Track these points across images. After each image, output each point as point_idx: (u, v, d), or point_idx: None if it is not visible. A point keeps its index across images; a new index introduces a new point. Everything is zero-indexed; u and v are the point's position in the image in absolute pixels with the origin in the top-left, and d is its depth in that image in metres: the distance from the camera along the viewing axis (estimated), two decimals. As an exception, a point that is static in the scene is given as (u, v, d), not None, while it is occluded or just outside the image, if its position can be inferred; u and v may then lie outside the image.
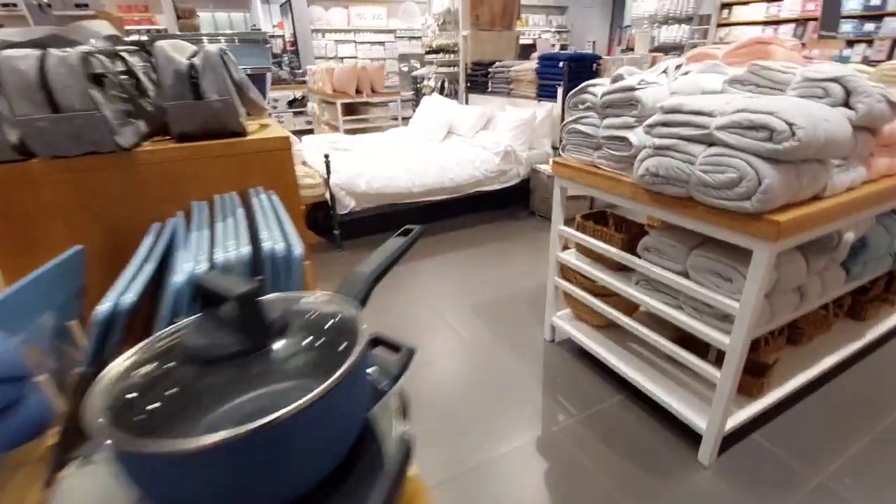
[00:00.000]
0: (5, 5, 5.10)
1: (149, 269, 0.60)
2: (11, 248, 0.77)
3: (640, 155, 1.52)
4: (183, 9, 8.09)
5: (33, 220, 0.77)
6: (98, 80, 0.74)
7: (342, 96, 5.62)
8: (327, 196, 3.54)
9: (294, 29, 8.41)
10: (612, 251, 1.90)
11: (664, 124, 1.42)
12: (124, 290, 0.55)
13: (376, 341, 0.57)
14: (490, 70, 4.79)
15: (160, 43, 0.79)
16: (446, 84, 6.20)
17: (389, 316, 2.81)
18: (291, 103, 8.35)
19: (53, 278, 0.67)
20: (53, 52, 0.68)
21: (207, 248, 0.62)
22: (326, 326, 0.48)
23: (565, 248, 2.30)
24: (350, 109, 5.89)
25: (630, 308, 2.05)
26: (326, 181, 3.49)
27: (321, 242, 3.85)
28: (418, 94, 7.19)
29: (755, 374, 1.77)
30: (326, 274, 3.34)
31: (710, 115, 1.28)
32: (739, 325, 1.36)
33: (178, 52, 0.81)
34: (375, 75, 5.80)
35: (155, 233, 0.71)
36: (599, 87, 1.83)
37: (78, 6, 5.22)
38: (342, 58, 8.24)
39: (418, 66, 7.87)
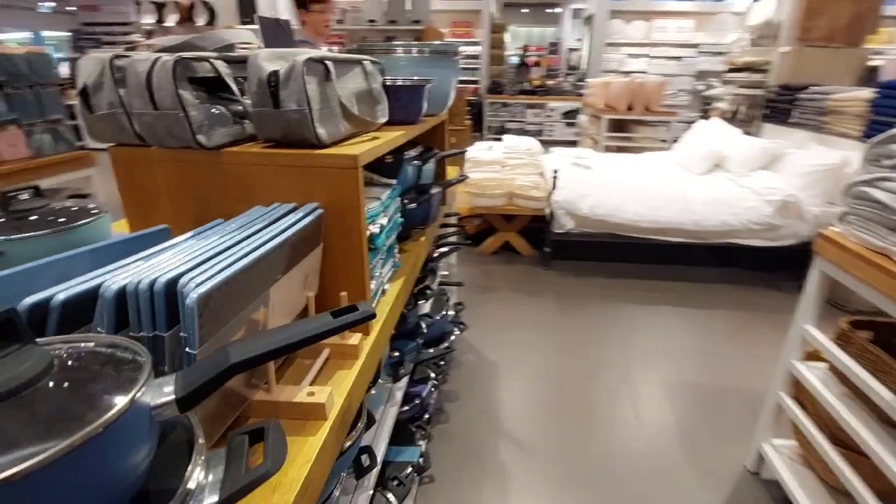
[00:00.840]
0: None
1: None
2: (137, 213, 0.91)
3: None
4: (497, 24, 8.95)
5: (151, 195, 0.89)
6: (194, 83, 0.79)
7: (610, 111, 5.26)
8: (547, 212, 3.37)
9: (591, 41, 8.30)
10: (890, 400, 1.17)
11: None
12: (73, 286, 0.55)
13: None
14: (799, 96, 3.67)
15: (257, 51, 0.80)
16: (742, 109, 5.10)
17: (563, 357, 2.50)
18: (567, 114, 8.34)
19: (139, 245, 0.73)
20: (163, 57, 0.75)
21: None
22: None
23: (810, 357, 1.57)
24: (618, 126, 5.48)
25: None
26: (548, 197, 3.32)
27: (532, 255, 3.72)
28: (705, 117, 6.17)
29: None
30: (523, 287, 3.21)
31: None
32: None
33: (269, 61, 0.81)
34: (652, 92, 5.21)
35: (199, 230, 0.72)
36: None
37: (415, 22, 6.32)
38: (629, 72, 7.71)
39: (717, 85, 6.73)
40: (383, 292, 1.07)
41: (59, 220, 1.12)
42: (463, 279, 3.22)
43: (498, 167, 3.98)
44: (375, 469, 1.16)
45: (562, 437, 1.98)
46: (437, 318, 2.01)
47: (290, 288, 0.73)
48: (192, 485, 0.42)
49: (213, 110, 0.80)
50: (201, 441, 0.46)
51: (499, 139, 4.66)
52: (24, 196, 1.18)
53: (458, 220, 3.88)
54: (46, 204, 1.17)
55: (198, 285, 0.51)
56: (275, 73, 0.77)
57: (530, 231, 3.70)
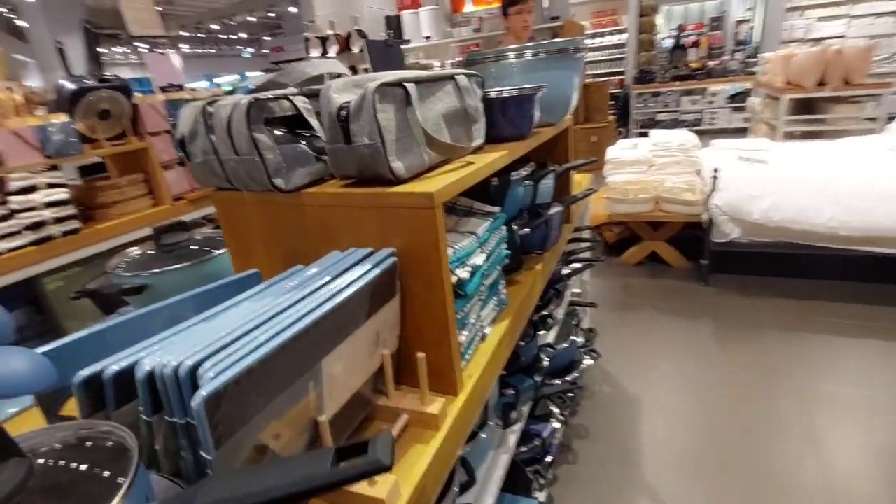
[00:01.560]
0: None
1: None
2: (238, 253, 0.91)
3: None
4: (647, 6, 8.06)
5: (247, 237, 0.88)
6: (275, 122, 0.74)
7: (794, 90, 4.30)
8: (704, 218, 2.84)
9: (766, 8, 6.97)
10: None
11: None
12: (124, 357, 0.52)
13: None
14: None
15: (330, 82, 0.71)
16: None
17: (722, 398, 2.04)
18: (734, 97, 7.13)
19: (232, 290, 0.71)
20: (242, 100, 0.71)
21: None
22: None
23: None
24: (804, 107, 4.46)
25: None
26: (705, 201, 2.79)
27: (684, 268, 3.19)
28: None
29: None
30: (672, 306, 2.74)
31: None
32: None
33: (342, 92, 0.71)
34: (855, 60, 4.10)
35: (265, 284, 0.66)
36: None
37: (553, 18, 6.02)
38: (819, 39, 6.25)
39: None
40: (483, 338, 0.92)
41: (199, 252, 1.21)
42: (599, 294, 2.89)
43: (644, 167, 3.51)
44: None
45: (716, 499, 1.60)
46: (563, 347, 1.78)
47: (354, 353, 0.62)
48: None
49: (292, 150, 0.74)
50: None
51: (645, 134, 4.13)
52: (173, 228, 1.30)
53: (594, 229, 3.53)
54: (189, 237, 1.29)
55: (212, 378, 0.42)
56: (345, 105, 0.67)
57: (683, 239, 3.18)
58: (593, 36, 8.36)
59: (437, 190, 0.66)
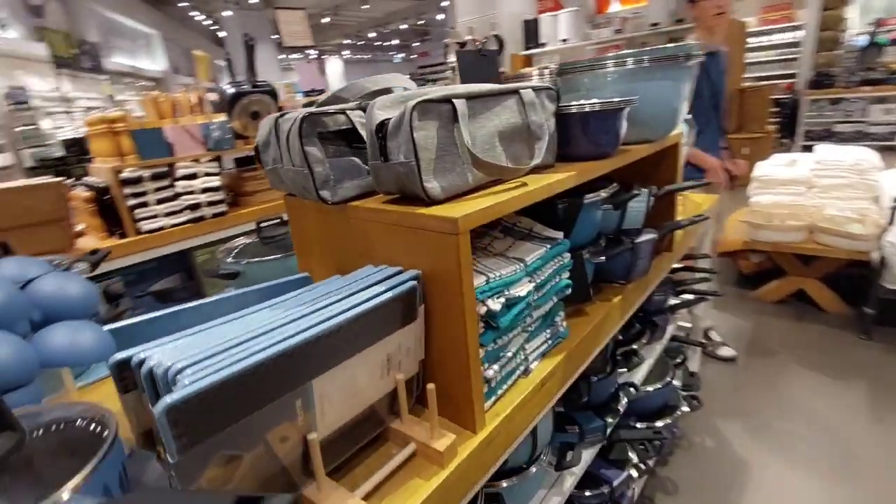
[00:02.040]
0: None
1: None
2: (302, 254, 0.97)
3: None
4: (834, -2, 6.73)
5: (308, 241, 0.92)
6: (328, 136, 0.75)
7: None
8: (874, 257, 2.28)
9: None
10: None
11: None
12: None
13: None
14: None
15: (377, 99, 0.69)
16: None
17: (868, 493, 1.61)
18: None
19: (282, 289, 0.76)
20: (299, 114, 0.74)
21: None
22: None
23: None
24: None
25: None
26: (879, 235, 2.23)
27: (841, 315, 2.59)
28: None
29: None
30: (819, 358, 2.24)
31: None
32: None
33: (387, 108, 0.68)
34: None
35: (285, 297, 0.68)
36: None
37: (678, 21, 5.36)
38: None
39: None
40: (526, 372, 0.84)
41: (288, 246, 1.32)
42: (726, 332, 2.50)
43: (801, 188, 2.93)
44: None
45: None
46: (653, 388, 1.58)
47: (357, 376, 0.61)
48: None
49: (344, 163, 0.75)
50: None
51: (810, 149, 3.45)
52: (275, 221, 1.44)
53: (728, 255, 3.04)
54: (287, 233, 1.41)
55: (184, 386, 0.44)
56: (385, 121, 0.66)
57: (841, 279, 2.60)
58: (758, 34, 7.28)
59: (462, 216, 0.61)
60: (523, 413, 0.80)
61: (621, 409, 1.32)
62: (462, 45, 7.69)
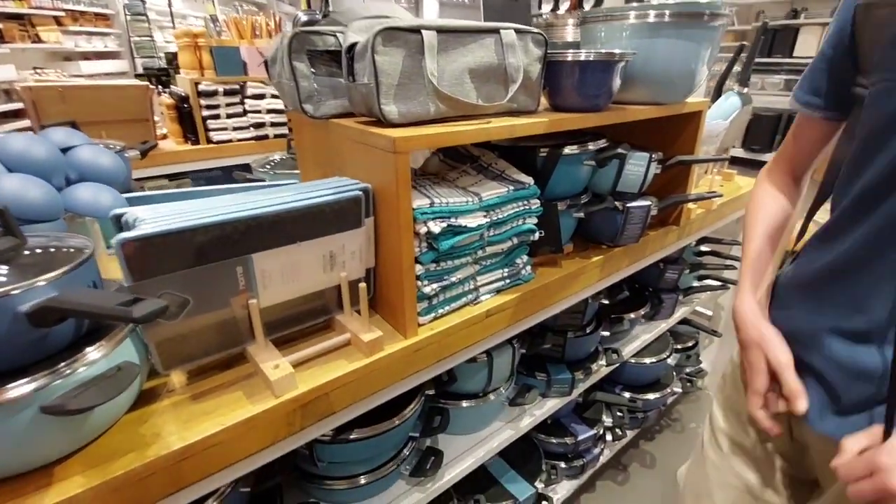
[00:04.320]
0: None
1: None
2: (303, 165, 1.08)
3: None
4: None
5: (305, 151, 1.03)
6: (313, 55, 0.83)
7: None
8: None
9: None
10: None
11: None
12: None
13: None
14: None
15: (354, 23, 0.75)
16: None
17: None
18: None
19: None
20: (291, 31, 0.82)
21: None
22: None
23: None
24: None
25: None
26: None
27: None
28: None
29: None
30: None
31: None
32: None
33: (362, 32, 0.74)
34: None
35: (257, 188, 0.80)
36: None
37: None
38: None
39: None
40: (475, 301, 0.91)
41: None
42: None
43: None
44: (443, 480, 1.07)
45: None
46: (637, 361, 1.59)
47: (297, 262, 0.72)
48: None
49: (330, 82, 0.83)
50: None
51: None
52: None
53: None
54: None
55: (138, 230, 0.57)
56: (353, 44, 0.73)
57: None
58: None
59: (400, 136, 0.67)
60: (461, 334, 0.88)
61: (595, 370, 1.36)
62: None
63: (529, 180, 0.90)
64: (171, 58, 3.70)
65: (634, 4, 1.01)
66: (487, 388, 1.15)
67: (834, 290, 0.61)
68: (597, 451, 1.53)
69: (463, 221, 0.81)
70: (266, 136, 2.55)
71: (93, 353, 0.56)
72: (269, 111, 2.51)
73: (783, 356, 0.64)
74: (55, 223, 0.74)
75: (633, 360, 1.57)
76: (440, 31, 0.75)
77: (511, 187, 0.88)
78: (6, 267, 0.53)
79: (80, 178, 0.82)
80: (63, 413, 0.50)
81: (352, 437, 0.87)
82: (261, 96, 2.48)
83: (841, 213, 0.60)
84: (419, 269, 0.79)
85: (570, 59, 0.87)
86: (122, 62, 6.03)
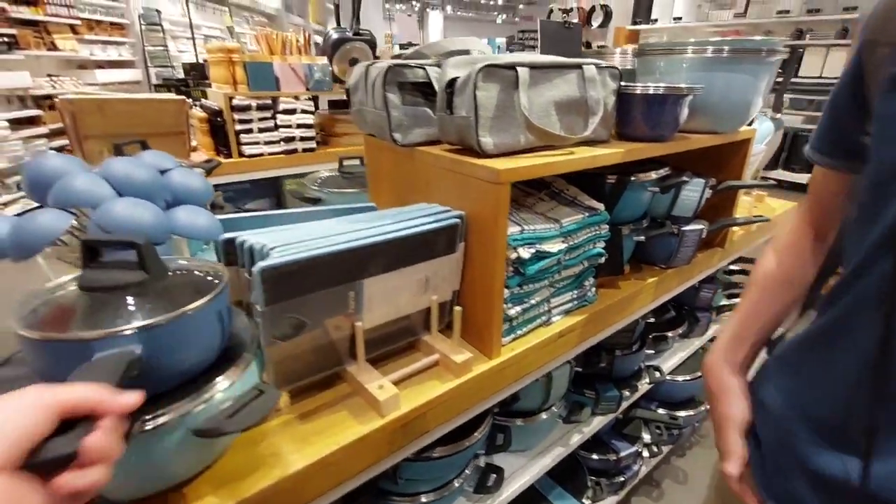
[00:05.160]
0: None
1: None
2: (374, 188, 1.12)
3: None
4: None
5: (380, 176, 1.06)
6: (402, 87, 0.87)
7: None
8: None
9: None
10: None
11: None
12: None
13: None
14: None
15: (450, 59, 0.79)
16: None
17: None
18: None
19: (352, 213, 0.93)
20: (385, 64, 0.86)
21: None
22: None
23: None
24: None
25: None
26: None
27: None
28: None
29: None
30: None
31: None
32: None
33: (458, 67, 0.78)
34: None
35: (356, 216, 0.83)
36: None
37: (848, 9, 4.76)
38: None
39: None
40: (548, 322, 0.94)
41: (363, 182, 1.48)
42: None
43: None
44: (501, 497, 1.09)
45: None
46: (679, 379, 1.61)
47: (398, 287, 0.75)
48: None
49: (416, 112, 0.87)
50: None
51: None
52: (354, 162, 1.61)
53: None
54: (363, 171, 1.57)
55: (275, 258, 0.60)
56: (454, 79, 0.77)
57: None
58: None
59: (505, 169, 0.71)
60: (537, 355, 0.91)
61: (640, 388, 1.39)
62: (567, 11, 7.37)
63: (600, 206, 0.94)
64: (189, 68, 3.75)
65: (693, 40, 1.06)
66: (544, 406, 1.17)
67: (805, 366, 0.53)
68: (636, 467, 1.55)
69: (546, 247, 0.84)
70: (295, 150, 2.59)
71: (227, 377, 0.59)
72: (299, 125, 2.55)
73: (730, 409, 0.59)
74: (163, 246, 0.76)
75: (669, 378, 1.60)
76: (532, 67, 0.79)
77: (586, 213, 0.91)
78: (146, 299, 0.56)
79: (175, 200, 0.85)
80: (218, 435, 0.52)
81: (435, 454, 0.89)
82: (292, 111, 2.53)
83: (840, 279, 0.50)
84: (505, 292, 0.82)
85: (645, 92, 0.91)
86: (136, 71, 6.07)
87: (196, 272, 0.63)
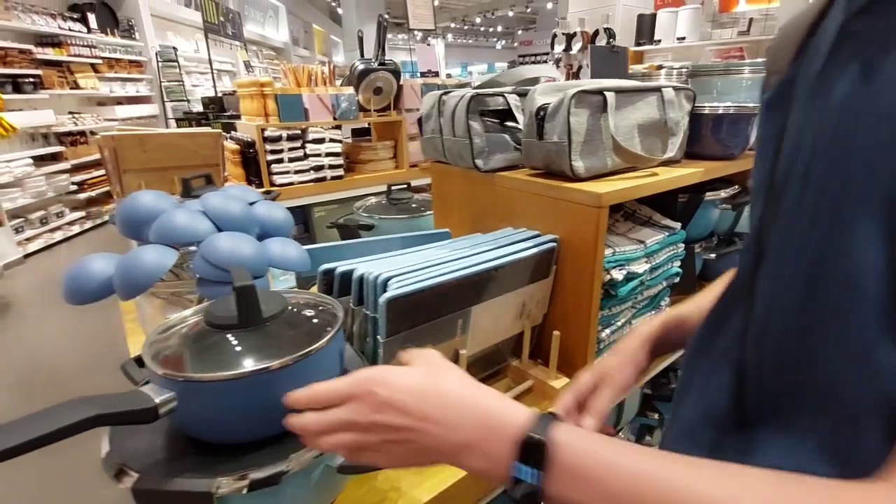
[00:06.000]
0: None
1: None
2: (440, 213, 1.13)
3: None
4: None
5: (449, 202, 1.06)
6: (490, 114, 0.88)
7: None
8: None
9: None
10: None
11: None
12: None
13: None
14: None
15: (538, 86, 0.80)
16: None
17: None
18: None
19: (424, 240, 0.93)
20: (468, 93, 0.88)
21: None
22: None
23: None
24: None
25: None
26: None
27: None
28: None
29: None
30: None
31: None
32: None
33: (545, 94, 0.79)
34: None
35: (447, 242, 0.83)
36: None
37: None
38: None
39: None
40: (628, 344, 0.93)
41: (416, 209, 1.50)
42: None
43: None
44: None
45: None
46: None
47: (499, 313, 0.74)
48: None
49: (497, 138, 0.88)
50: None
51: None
52: (402, 188, 1.62)
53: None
54: (411, 197, 1.58)
55: (397, 288, 0.60)
56: (545, 105, 0.78)
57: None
58: None
59: (605, 192, 0.72)
60: (622, 377, 0.90)
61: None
62: (570, 36, 7.49)
63: (677, 225, 0.94)
64: (208, 102, 3.84)
65: (748, 61, 1.08)
66: (617, 427, 1.15)
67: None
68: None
69: (634, 268, 0.84)
70: (324, 178, 2.62)
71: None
72: (328, 154, 2.59)
73: (604, 362, 0.58)
74: (262, 279, 0.76)
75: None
76: (617, 91, 0.80)
77: (665, 233, 0.92)
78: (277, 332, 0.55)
79: (263, 233, 0.86)
80: (358, 472, 0.51)
81: (528, 483, 0.87)
82: (321, 140, 2.57)
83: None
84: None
85: (719, 112, 0.92)
86: (153, 106, 6.20)
87: (308, 304, 0.63)
